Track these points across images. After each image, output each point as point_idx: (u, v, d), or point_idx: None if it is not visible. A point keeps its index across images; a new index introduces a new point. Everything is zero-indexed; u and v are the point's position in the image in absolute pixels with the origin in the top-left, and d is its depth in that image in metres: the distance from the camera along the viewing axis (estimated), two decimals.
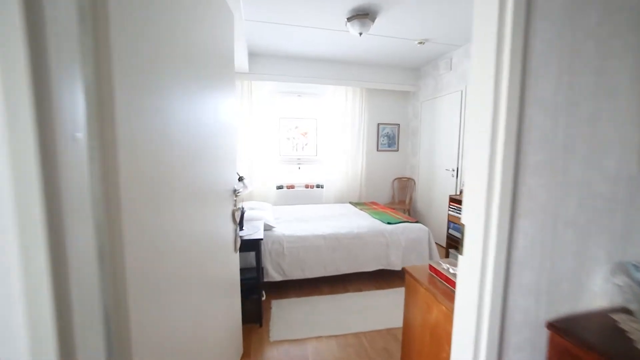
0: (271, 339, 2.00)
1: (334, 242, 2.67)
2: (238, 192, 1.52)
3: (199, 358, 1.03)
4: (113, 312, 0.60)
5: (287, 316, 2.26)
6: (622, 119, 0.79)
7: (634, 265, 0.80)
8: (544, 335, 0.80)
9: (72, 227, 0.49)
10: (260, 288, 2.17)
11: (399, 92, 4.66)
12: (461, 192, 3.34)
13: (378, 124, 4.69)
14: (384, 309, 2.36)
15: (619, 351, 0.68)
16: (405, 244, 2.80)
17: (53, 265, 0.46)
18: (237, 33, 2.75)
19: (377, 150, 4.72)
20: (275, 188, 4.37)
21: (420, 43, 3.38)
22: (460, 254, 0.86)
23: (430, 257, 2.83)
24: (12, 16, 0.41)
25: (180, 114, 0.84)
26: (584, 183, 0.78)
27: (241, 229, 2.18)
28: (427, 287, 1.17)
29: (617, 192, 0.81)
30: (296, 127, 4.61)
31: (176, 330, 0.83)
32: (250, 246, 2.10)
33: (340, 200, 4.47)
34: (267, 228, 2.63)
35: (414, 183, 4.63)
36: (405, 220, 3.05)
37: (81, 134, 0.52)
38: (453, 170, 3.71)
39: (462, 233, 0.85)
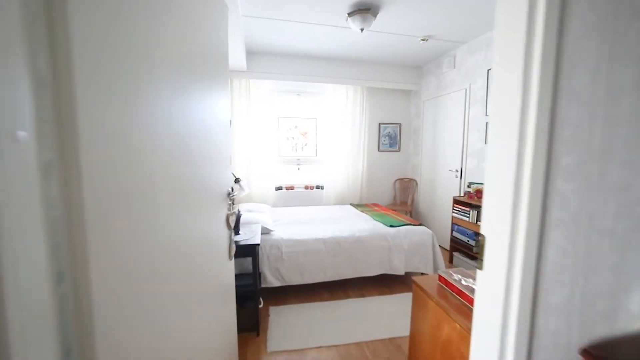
0: (269, 350, 1.90)
1: (335, 246, 2.57)
2: (233, 195, 1.43)
3: None
4: (75, 342, 0.51)
5: (285, 324, 2.16)
6: None
7: None
8: None
9: (12, 247, 0.39)
10: (258, 295, 2.07)
11: (400, 91, 4.57)
12: (466, 193, 3.24)
13: (379, 124, 4.59)
14: (386, 317, 2.26)
15: None
16: (408, 247, 2.71)
17: None
18: (234, 29, 2.65)
19: (379, 150, 4.62)
20: (274, 189, 4.27)
21: (423, 40, 3.28)
22: (480, 268, 0.76)
23: (434, 261, 2.73)
24: None
25: (165, 112, 0.75)
26: (623, 188, 0.68)
27: (237, 233, 2.08)
28: (438, 301, 1.07)
29: None
30: (295, 127, 4.52)
31: (160, 349, 0.74)
32: (246, 252, 2.00)
33: (340, 201, 4.37)
34: (265, 231, 2.53)
35: (416, 184, 4.53)
36: (408, 222, 2.96)
37: (25, 133, 0.42)
38: (457, 170, 3.61)
39: (481, 245, 0.75)
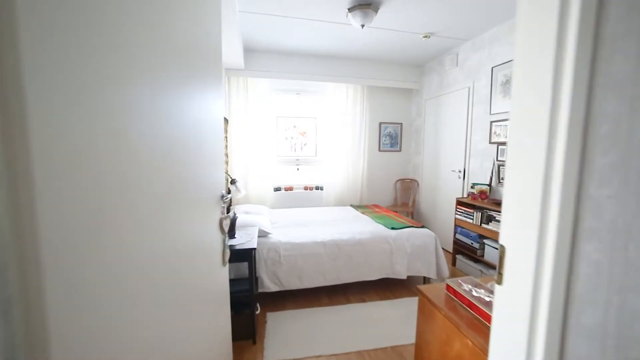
0: (266, 359, 1.81)
1: (335, 249, 2.48)
2: (226, 198, 1.34)
3: None
4: None
5: (283, 331, 2.07)
6: None
7: None
8: None
9: None
10: (255, 301, 1.98)
11: (401, 90, 4.48)
12: (469, 194, 3.15)
13: (380, 123, 4.50)
14: (388, 323, 2.17)
15: None
16: (411, 250, 2.62)
17: None
18: (230, 25, 2.56)
19: (379, 150, 4.54)
20: (273, 190, 4.18)
21: (425, 37, 3.19)
22: (498, 282, 0.67)
23: (438, 265, 2.64)
24: None
25: (146, 111, 0.66)
26: None
27: (233, 237, 2.00)
28: (447, 314, 0.98)
29: None
30: (294, 127, 4.43)
31: None
32: (242, 256, 1.91)
33: (340, 202, 4.29)
34: (263, 234, 2.45)
35: (418, 185, 4.44)
36: (410, 224, 2.87)
37: None
38: (460, 171, 3.53)
39: (500, 257, 0.67)
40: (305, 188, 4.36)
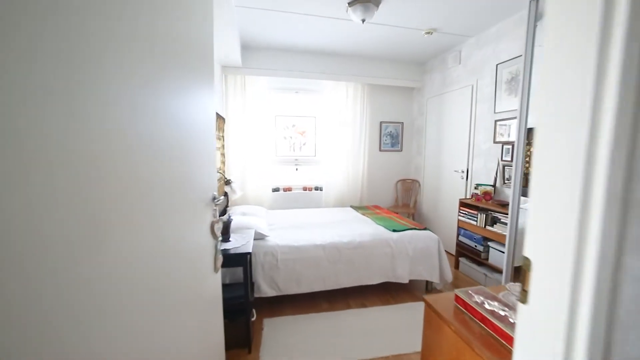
0: None
1: (334, 252, 2.38)
2: (218, 201, 1.25)
3: None
4: None
5: (281, 339, 1.98)
6: None
7: None
8: None
9: None
10: (250, 307, 1.89)
11: (403, 88, 4.39)
12: (473, 195, 3.06)
13: (380, 122, 4.41)
14: (390, 330, 2.08)
15: None
16: (413, 254, 2.53)
17: None
18: (226, 21, 2.47)
19: (380, 150, 4.45)
20: (271, 190, 4.09)
21: (427, 33, 3.10)
22: (522, 302, 0.58)
23: (441, 268, 2.55)
24: None
25: (127, 108, 0.57)
26: None
27: (227, 240, 1.90)
28: (457, 329, 0.89)
29: None
30: (293, 126, 4.34)
31: None
32: (237, 261, 1.82)
33: (340, 203, 4.19)
34: (259, 237, 2.35)
35: (419, 185, 4.35)
36: (412, 227, 2.78)
37: None
38: (463, 171, 3.43)
39: (524, 271, 0.57)
40: (304, 189, 4.27)
